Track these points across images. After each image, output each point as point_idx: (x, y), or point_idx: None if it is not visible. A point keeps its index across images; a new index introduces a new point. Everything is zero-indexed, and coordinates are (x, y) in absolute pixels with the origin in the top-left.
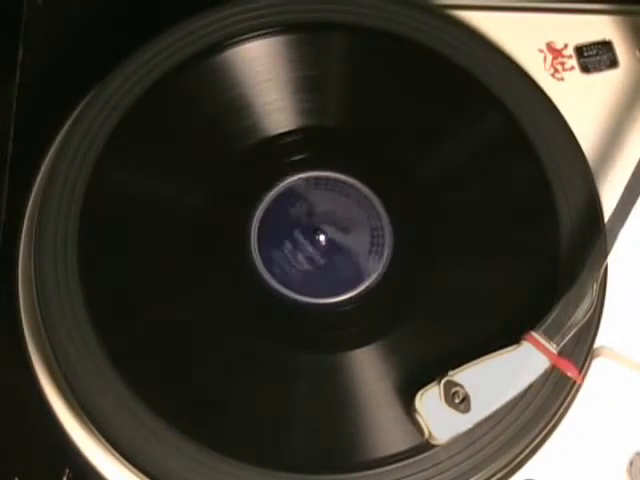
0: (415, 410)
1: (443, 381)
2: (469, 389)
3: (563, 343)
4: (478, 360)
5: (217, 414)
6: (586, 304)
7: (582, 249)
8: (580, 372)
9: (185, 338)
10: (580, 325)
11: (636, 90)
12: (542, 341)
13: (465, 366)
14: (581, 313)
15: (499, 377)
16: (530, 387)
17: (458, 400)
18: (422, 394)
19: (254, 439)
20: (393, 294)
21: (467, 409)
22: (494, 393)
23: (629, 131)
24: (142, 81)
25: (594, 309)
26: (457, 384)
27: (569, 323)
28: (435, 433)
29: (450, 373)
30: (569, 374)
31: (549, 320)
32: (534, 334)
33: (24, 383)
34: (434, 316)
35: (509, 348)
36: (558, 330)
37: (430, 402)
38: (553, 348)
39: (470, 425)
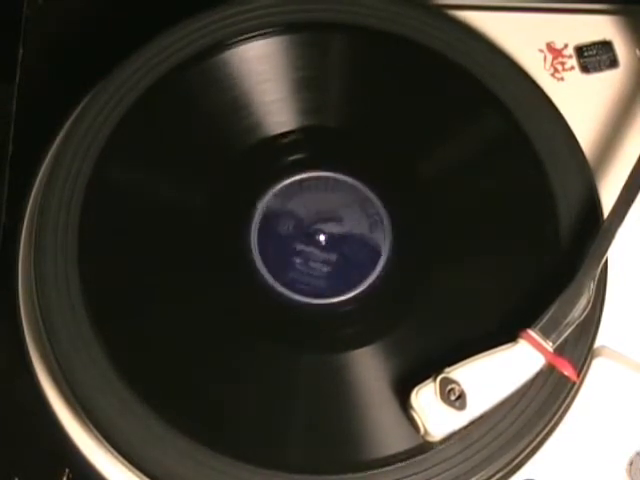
0: (411, 407)
1: (439, 378)
2: (465, 386)
3: (559, 341)
4: (474, 357)
5: (217, 414)
6: (583, 303)
7: (582, 248)
8: (576, 370)
9: (185, 338)
10: (577, 323)
11: (636, 90)
12: (538, 339)
13: (461, 363)
14: (578, 312)
15: (495, 375)
16: (530, 386)
17: (454, 397)
18: (418, 391)
19: (254, 439)
20: (393, 294)
21: (463, 406)
22: (490, 391)
23: (629, 131)
24: (142, 81)
25: (591, 308)
26: (453, 381)
27: (566, 321)
28: (430, 430)
29: (446, 370)
30: (565, 373)
31: (545, 318)
32: (530, 332)
33: (24, 383)
34: (434, 316)
35: (505, 346)
36: (554, 328)
37: (426, 399)
38: (549, 346)
39: (466, 422)
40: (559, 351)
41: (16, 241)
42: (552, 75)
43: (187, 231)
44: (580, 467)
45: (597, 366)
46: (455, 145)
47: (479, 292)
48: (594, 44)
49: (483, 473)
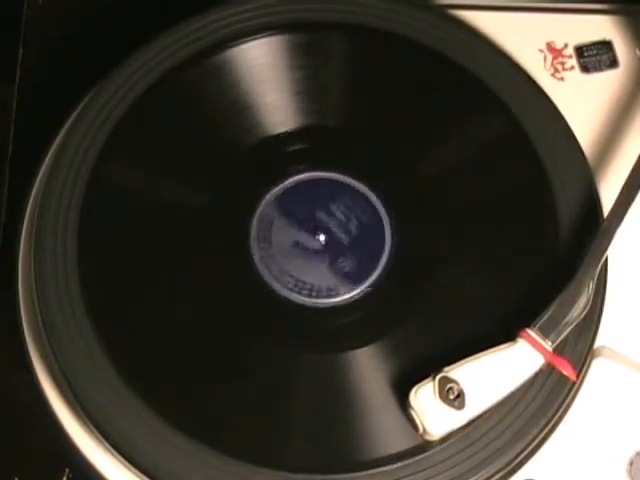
0: (410, 406)
1: (438, 377)
2: (464, 385)
3: (559, 341)
4: (473, 357)
5: (217, 414)
6: (582, 302)
7: (581, 248)
8: (576, 370)
9: (185, 338)
10: (576, 323)
11: (636, 90)
12: (537, 339)
13: (460, 362)
14: (577, 311)
15: (494, 374)
16: (530, 386)
17: (453, 396)
18: (417, 390)
19: (254, 439)
20: (393, 294)
21: (462, 405)
22: (489, 390)
23: (629, 131)
24: (142, 81)
25: (591, 307)
26: (452, 380)
27: (565, 321)
28: (429, 429)
29: (445, 369)
30: (564, 372)
31: (545, 318)
32: (529, 331)
33: (24, 383)
34: (434, 316)
35: (504, 345)
36: (554, 328)
37: (425, 398)
38: (548, 346)
39: (464, 421)
40: (559, 351)
41: (16, 241)
42: (552, 75)
43: (187, 231)
44: (580, 467)
45: (597, 366)
46: (455, 145)
47: (479, 292)
48: (594, 44)
49: (483, 473)
